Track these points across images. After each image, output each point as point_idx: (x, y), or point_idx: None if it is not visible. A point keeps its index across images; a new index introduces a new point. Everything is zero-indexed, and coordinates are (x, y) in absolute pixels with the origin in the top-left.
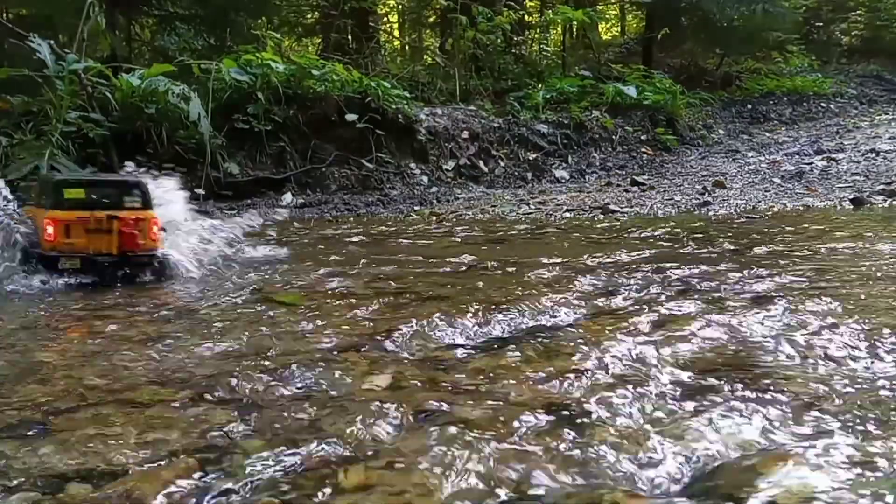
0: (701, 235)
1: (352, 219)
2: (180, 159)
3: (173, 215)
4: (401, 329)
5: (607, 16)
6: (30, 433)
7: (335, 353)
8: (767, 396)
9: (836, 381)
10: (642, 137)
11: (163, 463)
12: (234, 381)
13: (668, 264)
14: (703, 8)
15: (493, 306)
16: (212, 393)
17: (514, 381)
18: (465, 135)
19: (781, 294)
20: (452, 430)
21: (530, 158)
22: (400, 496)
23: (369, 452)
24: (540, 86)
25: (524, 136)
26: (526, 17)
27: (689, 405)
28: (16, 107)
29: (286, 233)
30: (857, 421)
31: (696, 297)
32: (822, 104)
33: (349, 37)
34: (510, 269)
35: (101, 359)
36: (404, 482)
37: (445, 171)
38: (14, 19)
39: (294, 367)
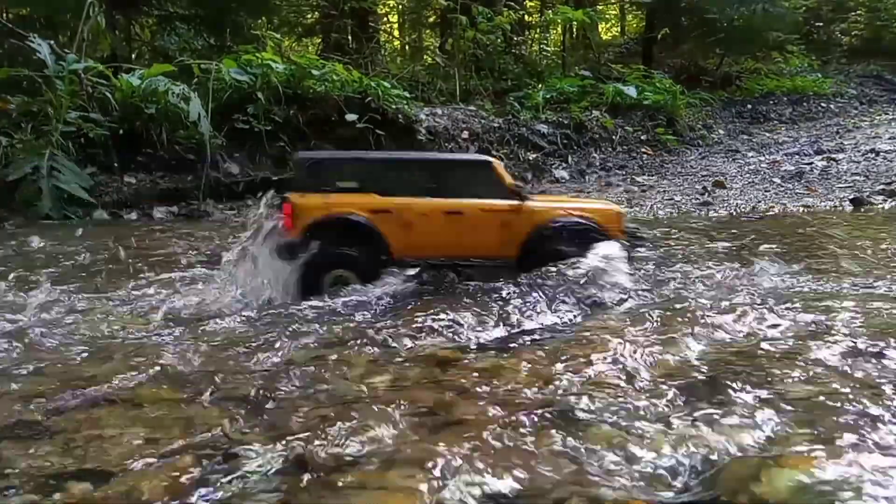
0: (700, 235)
1: None
2: (180, 159)
3: None
4: (400, 328)
5: (607, 16)
6: (30, 432)
7: (335, 351)
8: (769, 397)
9: (837, 382)
10: (642, 137)
11: (163, 462)
12: (233, 381)
13: (668, 264)
14: (703, 8)
15: (494, 306)
16: (211, 392)
17: (514, 381)
18: (465, 135)
19: (782, 295)
20: (452, 429)
21: (530, 158)
22: (400, 496)
23: (369, 452)
24: (540, 86)
25: (524, 136)
26: (526, 17)
27: (690, 405)
28: (16, 107)
29: None
30: (857, 421)
31: (695, 297)
32: (822, 104)
33: (349, 37)
34: (510, 269)
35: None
36: (404, 482)
37: None
38: (14, 19)
39: (294, 365)
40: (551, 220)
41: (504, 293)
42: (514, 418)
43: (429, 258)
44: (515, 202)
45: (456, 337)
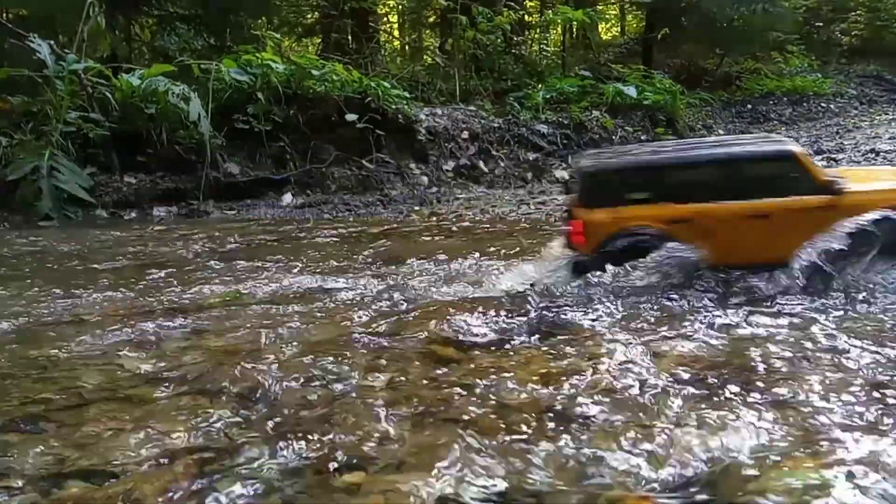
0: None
1: (351, 218)
2: (180, 159)
3: None
4: (402, 328)
5: (607, 16)
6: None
7: (336, 349)
8: (768, 398)
9: (839, 383)
10: (642, 137)
11: (163, 462)
12: (233, 380)
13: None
14: (703, 8)
15: (494, 306)
16: (212, 392)
17: (514, 381)
18: (465, 135)
19: (781, 295)
20: (452, 428)
21: (530, 158)
22: (399, 496)
23: (369, 451)
24: (540, 86)
25: (524, 136)
26: (526, 17)
27: (690, 405)
28: (16, 107)
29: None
30: (858, 422)
31: (695, 298)
32: (822, 104)
33: (349, 37)
34: (511, 271)
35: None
36: (403, 482)
37: (445, 171)
38: (14, 19)
39: (295, 365)
40: (879, 215)
41: (504, 290)
42: (514, 418)
43: (736, 267)
44: (830, 197)
45: (456, 335)
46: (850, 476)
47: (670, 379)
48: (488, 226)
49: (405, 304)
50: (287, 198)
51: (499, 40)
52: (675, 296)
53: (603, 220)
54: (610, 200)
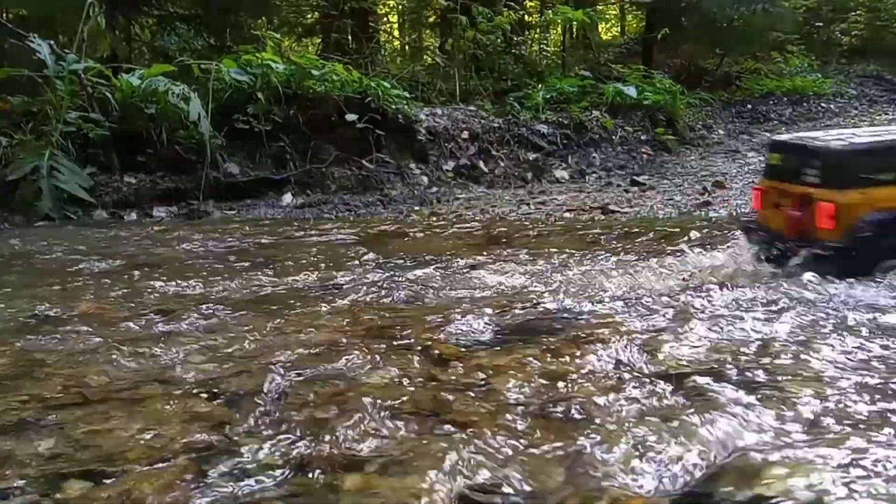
0: (700, 235)
1: (351, 218)
2: (180, 159)
3: None
4: (402, 327)
5: (607, 16)
6: (30, 431)
7: (336, 349)
8: (768, 398)
9: (840, 381)
10: (642, 137)
11: (163, 463)
12: (234, 380)
13: (669, 265)
14: (703, 8)
15: (494, 306)
16: (212, 391)
17: (514, 380)
18: (465, 135)
19: (781, 295)
20: (452, 428)
21: (530, 158)
22: (399, 497)
23: (369, 451)
24: (540, 86)
25: (524, 136)
26: (526, 17)
27: (690, 406)
28: (16, 107)
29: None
30: (859, 421)
31: (695, 297)
32: (822, 104)
33: (349, 37)
34: (511, 270)
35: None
36: (403, 482)
37: (445, 171)
38: (14, 19)
39: (295, 363)
40: None
41: (506, 288)
42: (514, 418)
43: None
44: None
45: (456, 335)
46: (853, 475)
47: (671, 377)
48: (482, 227)
49: (405, 304)
50: (287, 198)
51: (499, 40)
52: (675, 294)
53: (856, 201)
54: (860, 181)
